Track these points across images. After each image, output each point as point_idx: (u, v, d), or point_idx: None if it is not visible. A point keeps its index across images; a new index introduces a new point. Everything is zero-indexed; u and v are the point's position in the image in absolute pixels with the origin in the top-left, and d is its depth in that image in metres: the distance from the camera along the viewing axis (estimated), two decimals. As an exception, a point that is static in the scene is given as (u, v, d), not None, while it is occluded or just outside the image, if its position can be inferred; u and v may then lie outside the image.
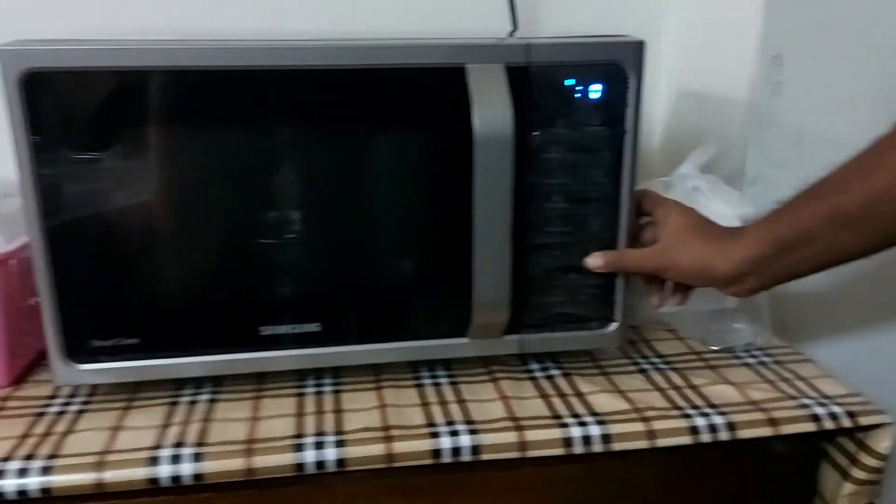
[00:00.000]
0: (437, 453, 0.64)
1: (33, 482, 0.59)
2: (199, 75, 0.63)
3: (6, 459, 0.60)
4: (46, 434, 0.64)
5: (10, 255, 0.69)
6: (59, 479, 0.59)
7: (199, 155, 0.65)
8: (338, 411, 0.68)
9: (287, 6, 0.96)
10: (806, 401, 0.70)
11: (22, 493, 0.59)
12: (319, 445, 0.63)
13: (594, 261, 0.71)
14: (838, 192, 0.59)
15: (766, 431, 0.67)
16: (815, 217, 0.61)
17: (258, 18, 0.95)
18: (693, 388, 0.72)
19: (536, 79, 0.66)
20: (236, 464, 0.61)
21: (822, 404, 0.69)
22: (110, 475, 0.59)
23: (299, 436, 0.64)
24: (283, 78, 0.64)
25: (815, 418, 0.68)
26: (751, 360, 0.78)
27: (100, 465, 0.60)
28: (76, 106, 0.62)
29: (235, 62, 0.63)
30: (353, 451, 0.63)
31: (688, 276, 0.69)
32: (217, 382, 0.72)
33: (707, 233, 0.68)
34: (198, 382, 0.72)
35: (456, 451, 0.64)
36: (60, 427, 0.65)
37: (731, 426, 0.67)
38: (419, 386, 0.72)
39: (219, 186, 0.66)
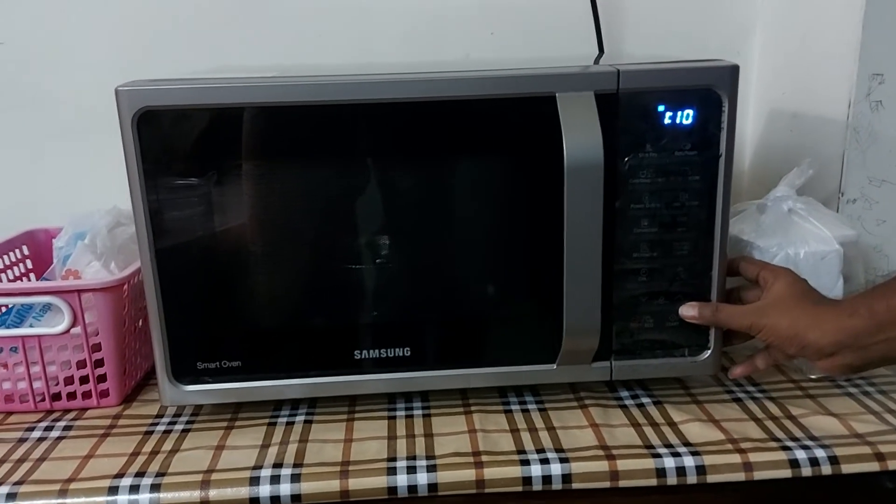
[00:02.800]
0: (527, 480, 0.64)
1: (143, 499, 0.62)
2: (295, 110, 0.65)
3: (119, 476, 0.64)
4: (155, 452, 0.67)
5: (123, 280, 0.73)
6: (167, 497, 0.62)
7: (295, 184, 0.68)
8: (428, 435, 0.69)
9: (376, 40, 0.99)
10: (916, 434, 0.67)
11: (133, 508, 0.62)
12: (412, 469, 0.64)
13: (688, 311, 0.70)
14: None
15: (872, 467, 0.64)
16: None
17: (351, 53, 0.99)
18: (791, 418, 0.70)
19: (627, 105, 0.66)
20: (332, 485, 0.63)
21: (933, 439, 0.66)
22: (215, 493, 0.62)
23: (392, 459, 0.65)
24: (376, 110, 0.66)
25: (927, 454, 0.65)
26: (853, 390, 0.75)
27: (205, 484, 0.62)
28: (182, 138, 0.66)
29: (328, 97, 0.65)
30: (444, 476, 0.64)
31: (780, 340, 0.67)
32: (312, 404, 0.74)
33: (808, 302, 0.66)
34: (294, 404, 0.74)
35: (546, 478, 0.64)
36: (168, 445, 0.68)
37: (835, 460, 0.64)
38: (507, 411, 0.73)
39: (314, 215, 0.69)
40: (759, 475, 0.64)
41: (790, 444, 0.66)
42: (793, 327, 0.65)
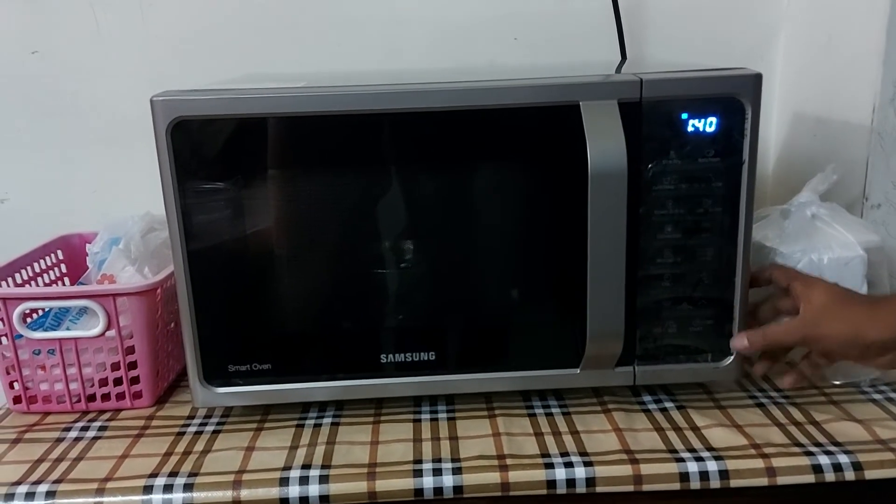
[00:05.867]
0: (552, 484, 0.65)
1: (177, 498, 0.64)
2: (324, 119, 0.67)
3: (154, 475, 0.65)
4: (187, 452, 0.69)
5: (157, 284, 0.75)
6: (200, 496, 0.64)
7: (324, 190, 0.70)
8: (453, 438, 0.70)
9: (402, 47, 1.00)
10: (940, 441, 0.67)
11: (167, 507, 0.64)
12: (437, 472, 0.65)
13: (739, 342, 0.71)
14: None
15: (896, 473, 0.65)
16: None
17: (376, 60, 1.00)
18: (815, 424, 0.70)
19: (650, 113, 0.67)
20: (360, 486, 0.64)
21: (958, 445, 0.66)
22: (246, 494, 0.64)
23: (418, 461, 0.66)
24: (402, 119, 0.67)
25: (952, 460, 0.65)
26: (877, 396, 0.75)
27: (237, 484, 0.64)
28: (214, 146, 0.67)
29: (356, 107, 0.66)
30: (469, 479, 0.65)
31: (838, 345, 0.67)
32: (339, 406, 0.76)
33: (855, 302, 0.67)
34: (322, 406, 0.76)
35: (571, 482, 0.64)
36: (199, 446, 0.70)
37: (858, 466, 0.65)
38: (531, 415, 0.74)
39: (343, 221, 0.70)
40: (782, 480, 0.65)
41: (813, 449, 0.66)
42: (851, 329, 0.65)
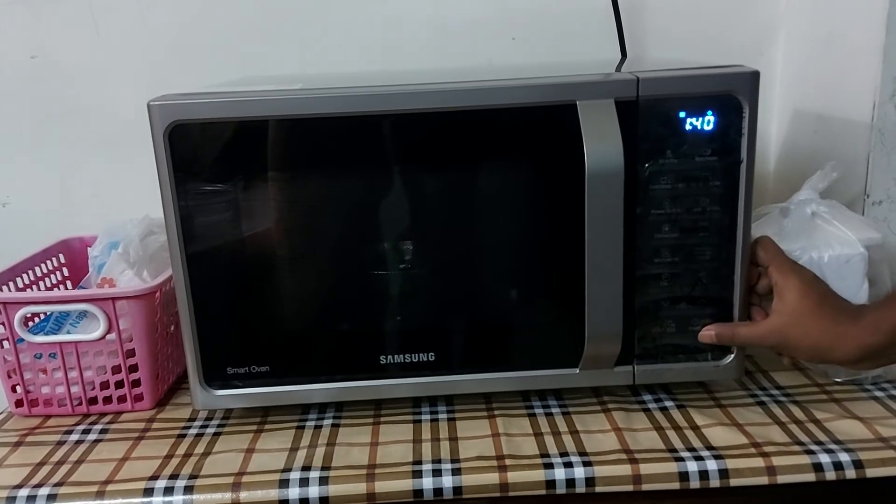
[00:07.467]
0: (551, 484, 0.64)
1: (177, 500, 0.64)
2: (320, 121, 0.67)
3: (154, 478, 0.66)
4: (188, 454, 0.69)
5: (155, 288, 0.75)
6: (200, 498, 0.64)
7: (322, 192, 0.70)
8: (453, 439, 0.70)
9: (399, 47, 1.00)
10: (942, 439, 0.66)
11: (168, 509, 0.64)
12: (437, 473, 0.65)
13: (707, 333, 0.72)
14: None
15: (897, 471, 0.64)
16: None
17: (375, 60, 1.00)
18: (816, 422, 0.70)
19: (647, 112, 0.67)
20: (359, 488, 0.64)
21: (960, 443, 0.66)
22: (246, 496, 0.64)
23: (418, 462, 0.66)
24: (400, 120, 0.67)
25: (954, 458, 0.65)
26: (879, 394, 0.74)
27: (236, 486, 0.64)
28: (212, 150, 0.67)
29: (353, 109, 0.67)
30: (468, 480, 0.65)
31: (804, 357, 0.71)
32: (338, 408, 0.76)
33: (826, 318, 0.66)
34: (321, 407, 0.76)
35: (570, 482, 0.64)
36: (200, 448, 0.70)
37: (859, 464, 0.64)
38: (531, 415, 0.73)
39: (341, 222, 0.71)
40: (782, 479, 0.64)
41: (814, 447, 0.66)
42: (815, 348, 0.67)
